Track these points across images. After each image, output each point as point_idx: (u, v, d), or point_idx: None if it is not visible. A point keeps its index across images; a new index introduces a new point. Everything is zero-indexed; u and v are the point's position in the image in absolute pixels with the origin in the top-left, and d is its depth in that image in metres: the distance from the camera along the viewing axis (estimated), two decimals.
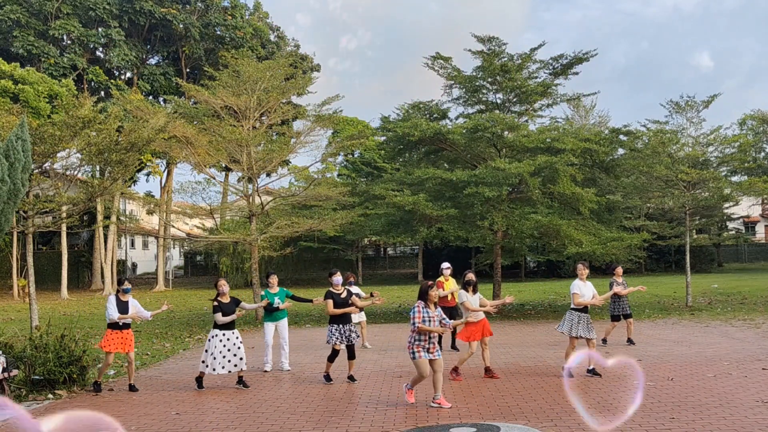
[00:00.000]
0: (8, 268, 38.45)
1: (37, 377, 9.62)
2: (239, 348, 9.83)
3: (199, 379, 9.96)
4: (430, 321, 8.21)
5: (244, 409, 8.51)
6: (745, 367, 10.27)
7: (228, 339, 9.79)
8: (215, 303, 9.93)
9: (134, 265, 54.14)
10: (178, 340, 15.81)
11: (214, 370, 9.68)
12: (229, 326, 9.88)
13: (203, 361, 9.82)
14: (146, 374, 11.23)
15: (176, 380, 10.71)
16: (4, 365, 8.82)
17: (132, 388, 9.88)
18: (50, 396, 9.45)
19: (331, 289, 10.21)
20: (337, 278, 10.24)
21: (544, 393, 8.85)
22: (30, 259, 14.98)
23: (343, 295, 10.14)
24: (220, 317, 9.80)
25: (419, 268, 45.36)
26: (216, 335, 9.79)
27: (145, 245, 58.90)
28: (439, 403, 8.21)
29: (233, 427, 7.63)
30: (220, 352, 9.71)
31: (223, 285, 10.02)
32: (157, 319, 19.89)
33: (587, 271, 10.30)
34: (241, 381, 9.95)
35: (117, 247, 44.17)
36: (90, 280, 43.34)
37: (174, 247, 56.41)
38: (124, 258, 51.16)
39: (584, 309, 10.02)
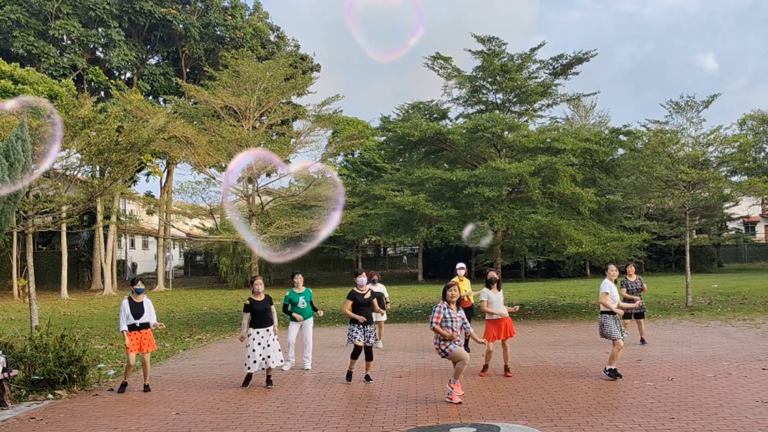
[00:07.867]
0: (8, 268, 38.45)
1: (37, 377, 9.62)
2: (269, 345, 9.77)
3: (246, 379, 9.95)
4: (452, 321, 8.25)
5: (244, 409, 8.51)
6: (745, 367, 10.27)
7: (262, 337, 9.78)
8: (247, 302, 9.98)
9: (134, 265, 54.12)
10: (178, 341, 15.81)
11: (249, 368, 9.70)
12: (261, 324, 9.84)
13: (245, 363, 9.82)
14: None
15: (176, 380, 10.70)
16: (4, 365, 8.81)
17: (146, 389, 9.82)
18: (50, 396, 9.44)
19: (355, 289, 10.16)
20: (362, 279, 10.17)
21: (544, 393, 8.85)
22: (30, 259, 15.00)
23: (366, 296, 10.07)
24: (247, 318, 9.84)
25: (419, 268, 45.39)
26: (250, 335, 9.80)
27: (145, 245, 58.90)
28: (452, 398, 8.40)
29: (233, 427, 7.63)
30: (254, 350, 9.70)
31: (259, 284, 10.06)
32: (158, 320, 19.84)
33: (617, 272, 10.20)
34: (268, 379, 9.92)
35: (117, 247, 44.20)
36: (90, 280, 43.35)
37: (174, 248, 56.44)
38: (124, 258, 51.18)
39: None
